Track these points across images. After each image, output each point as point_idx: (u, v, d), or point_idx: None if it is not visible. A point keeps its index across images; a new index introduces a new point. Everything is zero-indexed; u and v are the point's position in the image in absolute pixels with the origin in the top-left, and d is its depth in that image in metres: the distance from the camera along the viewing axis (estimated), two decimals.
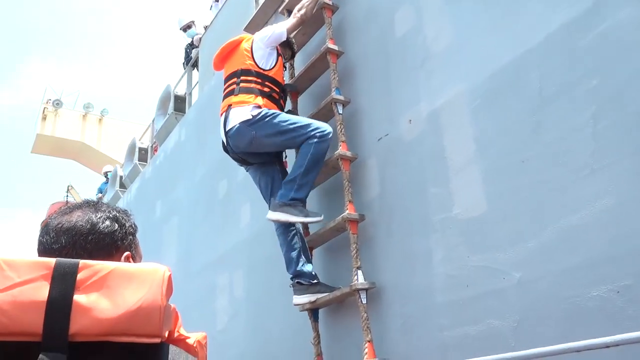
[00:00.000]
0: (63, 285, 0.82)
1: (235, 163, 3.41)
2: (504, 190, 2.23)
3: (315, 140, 2.97)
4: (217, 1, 6.35)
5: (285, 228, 3.08)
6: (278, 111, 3.14)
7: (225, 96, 3.24)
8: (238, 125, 3.06)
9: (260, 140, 3.06)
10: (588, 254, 1.88)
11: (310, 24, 3.56)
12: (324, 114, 3.27)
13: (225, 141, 3.20)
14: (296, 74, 3.64)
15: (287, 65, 3.64)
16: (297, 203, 2.95)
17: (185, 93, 6.66)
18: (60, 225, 1.01)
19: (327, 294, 2.90)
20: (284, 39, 3.32)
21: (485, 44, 2.41)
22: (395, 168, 2.84)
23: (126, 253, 1.07)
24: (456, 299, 2.34)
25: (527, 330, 2.04)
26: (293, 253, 3.01)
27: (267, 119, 3.04)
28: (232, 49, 3.37)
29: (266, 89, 3.17)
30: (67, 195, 23.62)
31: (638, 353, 1.70)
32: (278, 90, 3.24)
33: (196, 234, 5.15)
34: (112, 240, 1.04)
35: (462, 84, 2.50)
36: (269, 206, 3.13)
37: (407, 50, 2.88)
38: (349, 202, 2.91)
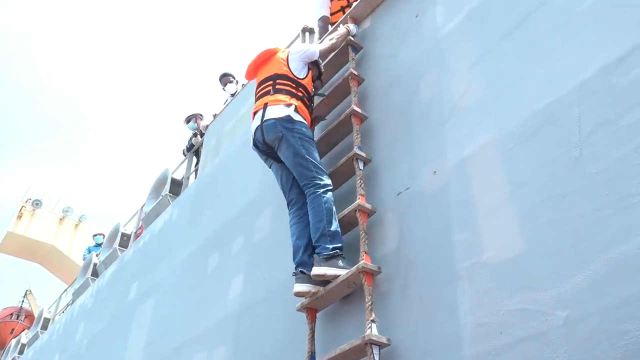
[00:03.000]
0: None
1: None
2: (542, 228, 2.10)
3: (321, 190, 3.03)
4: (233, 96, 6.59)
5: (299, 219, 3.10)
6: (310, 136, 3.28)
7: (260, 97, 3.47)
8: (274, 120, 3.24)
9: (282, 143, 3.21)
10: None
11: (335, 93, 3.67)
12: (343, 171, 3.22)
13: (254, 133, 3.36)
14: (315, 138, 3.64)
15: (314, 97, 3.74)
16: (338, 252, 2.84)
17: (183, 177, 6.61)
18: None
19: (330, 285, 2.78)
20: (316, 58, 3.61)
21: (519, 92, 2.46)
22: (415, 220, 2.71)
23: None
24: (488, 349, 2.08)
25: None
26: (302, 243, 3.01)
27: (298, 134, 3.21)
28: (267, 57, 3.66)
29: (299, 93, 3.40)
30: (22, 301, 22.18)
31: None
32: (308, 97, 3.49)
33: (174, 313, 4.73)
34: None
35: (494, 131, 2.49)
36: (287, 200, 3.26)
37: (432, 110, 2.93)
38: (365, 253, 2.73)
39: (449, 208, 2.54)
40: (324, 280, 2.85)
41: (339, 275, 2.75)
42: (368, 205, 2.92)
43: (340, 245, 2.87)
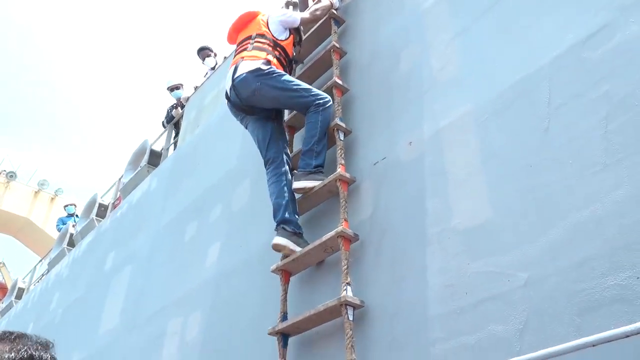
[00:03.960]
0: None
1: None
2: (509, 196, 2.20)
3: (321, 108, 3.14)
4: (213, 69, 6.57)
5: (277, 177, 3.16)
6: (285, 72, 3.35)
7: (238, 53, 3.48)
8: (245, 74, 3.24)
9: (263, 92, 3.21)
10: (603, 245, 1.82)
11: (316, 66, 3.71)
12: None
13: (228, 91, 3.36)
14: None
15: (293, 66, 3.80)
16: (320, 169, 3.07)
17: (162, 149, 6.59)
18: None
19: (307, 248, 2.88)
20: (296, 25, 3.64)
21: (494, 68, 2.54)
22: (390, 189, 2.79)
23: None
24: (453, 309, 2.18)
25: (535, 332, 1.88)
26: (282, 201, 3.06)
27: (274, 74, 3.25)
28: (248, 20, 3.69)
29: (276, 52, 3.43)
30: None
31: None
32: (286, 58, 3.50)
33: (150, 281, 4.77)
34: None
35: (469, 104, 2.57)
36: (264, 159, 3.28)
37: (411, 83, 2.99)
38: (345, 220, 2.81)
39: (423, 177, 2.62)
40: (297, 240, 2.97)
41: (315, 186, 3.00)
42: (348, 175, 2.99)
43: (321, 163, 3.07)
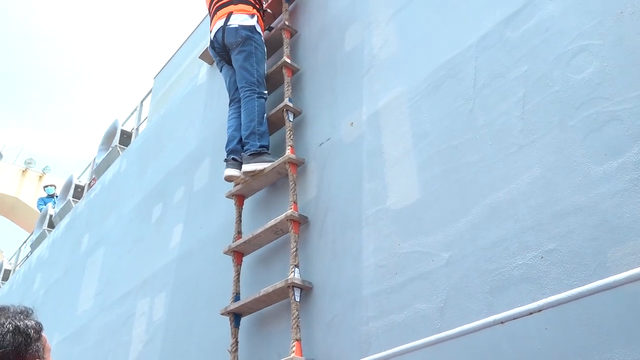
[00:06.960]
0: None
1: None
2: (436, 176, 2.24)
3: (256, 95, 3.29)
4: None
5: (236, 113, 3.37)
6: (264, 51, 3.50)
7: (220, 7, 3.59)
8: (239, 25, 3.45)
9: (242, 46, 3.42)
10: (514, 225, 1.88)
11: (268, 45, 3.68)
12: (274, 121, 3.29)
13: (213, 38, 3.55)
14: None
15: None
16: (265, 150, 3.15)
17: (133, 129, 6.57)
18: None
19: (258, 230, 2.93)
20: None
21: (427, 48, 2.54)
22: (333, 170, 2.83)
23: None
24: (384, 289, 2.25)
25: (453, 309, 1.96)
26: (236, 133, 3.28)
27: (254, 42, 3.43)
28: None
29: (257, 5, 3.61)
30: None
31: (561, 315, 1.66)
32: (260, 8, 3.67)
33: (121, 262, 4.84)
34: (16, 354, 1.04)
35: (403, 85, 2.59)
36: (230, 99, 3.49)
37: (354, 62, 2.99)
38: (294, 202, 2.85)
39: (361, 158, 2.66)
40: (256, 159, 3.15)
41: (265, 168, 3.05)
42: (297, 157, 3.01)
43: (267, 144, 3.16)
